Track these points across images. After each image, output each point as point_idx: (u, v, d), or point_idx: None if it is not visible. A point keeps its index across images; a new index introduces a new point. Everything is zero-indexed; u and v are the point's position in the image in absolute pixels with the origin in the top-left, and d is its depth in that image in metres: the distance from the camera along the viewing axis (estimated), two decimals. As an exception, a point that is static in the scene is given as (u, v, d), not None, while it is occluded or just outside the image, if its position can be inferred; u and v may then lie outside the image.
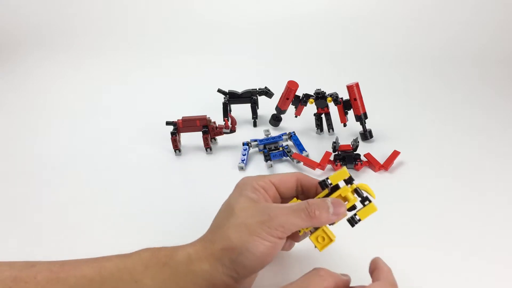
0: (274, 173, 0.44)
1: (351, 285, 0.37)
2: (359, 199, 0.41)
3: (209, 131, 0.74)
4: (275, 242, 0.36)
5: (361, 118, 0.76)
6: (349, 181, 0.41)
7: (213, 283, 0.36)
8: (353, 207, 0.41)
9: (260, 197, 0.40)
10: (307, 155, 0.72)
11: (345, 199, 0.41)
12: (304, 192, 0.44)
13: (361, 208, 0.41)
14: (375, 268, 0.37)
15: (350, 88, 0.75)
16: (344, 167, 0.41)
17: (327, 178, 0.41)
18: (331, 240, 0.40)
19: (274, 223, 0.36)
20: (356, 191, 0.41)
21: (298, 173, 0.44)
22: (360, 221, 0.40)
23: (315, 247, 0.40)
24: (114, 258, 0.38)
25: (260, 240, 0.36)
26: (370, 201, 0.41)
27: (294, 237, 0.44)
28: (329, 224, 0.41)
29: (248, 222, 0.37)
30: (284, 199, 0.44)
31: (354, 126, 0.79)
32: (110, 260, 0.38)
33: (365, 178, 0.67)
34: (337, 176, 0.41)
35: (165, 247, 0.39)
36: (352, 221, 0.41)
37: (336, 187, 0.42)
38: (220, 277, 0.36)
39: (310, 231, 0.41)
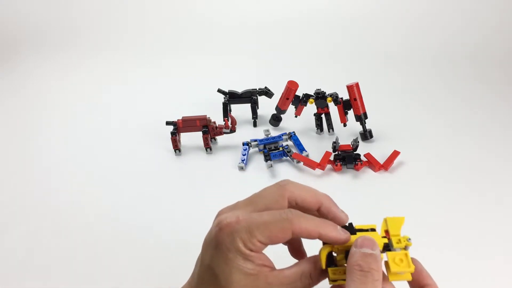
0: (261, 223, 0.32)
1: None
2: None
3: (209, 131, 0.74)
4: None
5: (361, 118, 0.76)
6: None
7: None
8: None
9: (257, 266, 0.32)
10: (307, 155, 0.72)
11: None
12: None
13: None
14: (425, 283, 0.33)
15: (350, 88, 0.75)
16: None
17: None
18: (409, 267, 0.32)
19: None
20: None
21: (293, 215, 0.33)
22: None
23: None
24: None
25: None
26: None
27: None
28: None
29: None
30: None
31: (354, 126, 0.79)
32: None
33: (365, 178, 0.67)
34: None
35: None
36: None
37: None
38: None
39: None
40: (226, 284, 0.31)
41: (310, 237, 0.33)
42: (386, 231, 0.35)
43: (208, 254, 0.33)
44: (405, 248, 0.33)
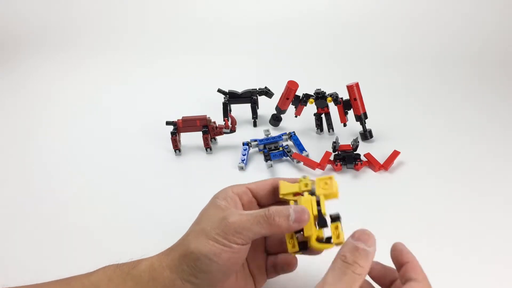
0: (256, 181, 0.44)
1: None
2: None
3: (209, 131, 0.74)
4: (233, 247, 0.35)
5: (361, 118, 0.76)
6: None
7: None
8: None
9: (230, 203, 0.40)
10: (307, 155, 0.72)
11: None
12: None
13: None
14: (405, 261, 0.36)
15: (350, 88, 0.75)
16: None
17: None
18: (332, 189, 0.38)
19: (231, 228, 0.36)
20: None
21: (276, 178, 0.43)
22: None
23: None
24: (79, 277, 0.39)
25: (216, 245, 0.35)
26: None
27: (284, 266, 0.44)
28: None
29: (207, 227, 0.37)
30: (262, 206, 0.43)
31: (354, 126, 0.79)
32: (75, 279, 0.39)
33: (365, 178, 0.67)
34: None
35: (131, 260, 0.40)
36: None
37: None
38: (180, 283, 0.36)
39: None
40: (201, 215, 0.40)
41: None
42: (296, 194, 0.40)
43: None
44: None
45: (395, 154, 0.70)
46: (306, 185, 0.40)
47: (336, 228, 0.38)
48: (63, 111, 0.95)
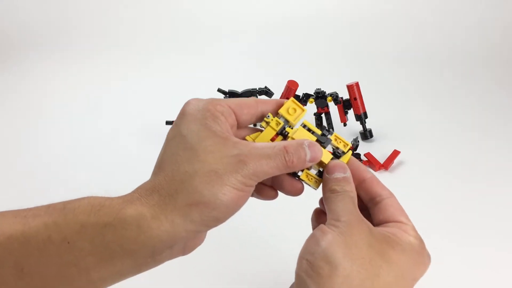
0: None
1: None
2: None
3: (209, 131, 0.74)
4: (248, 191, 0.32)
5: (361, 117, 0.76)
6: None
7: (172, 243, 0.31)
8: None
9: (224, 128, 0.33)
10: (307, 155, 0.72)
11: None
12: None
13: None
14: (365, 178, 0.36)
15: (350, 87, 0.75)
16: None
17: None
18: (302, 110, 0.36)
19: (248, 171, 0.31)
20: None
21: (256, 99, 0.39)
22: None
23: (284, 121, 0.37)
24: (42, 213, 0.32)
25: (232, 189, 0.30)
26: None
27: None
28: None
29: (220, 170, 0.30)
30: (241, 126, 0.38)
31: (354, 125, 0.79)
32: (37, 215, 0.32)
33: (365, 178, 0.67)
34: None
35: (108, 203, 0.32)
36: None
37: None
38: (183, 235, 0.31)
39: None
40: (197, 146, 0.31)
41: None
42: (273, 138, 0.37)
43: (172, 129, 0.34)
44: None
45: (395, 153, 0.69)
46: (278, 123, 0.37)
47: (336, 139, 0.38)
48: (61, 111, 0.94)
